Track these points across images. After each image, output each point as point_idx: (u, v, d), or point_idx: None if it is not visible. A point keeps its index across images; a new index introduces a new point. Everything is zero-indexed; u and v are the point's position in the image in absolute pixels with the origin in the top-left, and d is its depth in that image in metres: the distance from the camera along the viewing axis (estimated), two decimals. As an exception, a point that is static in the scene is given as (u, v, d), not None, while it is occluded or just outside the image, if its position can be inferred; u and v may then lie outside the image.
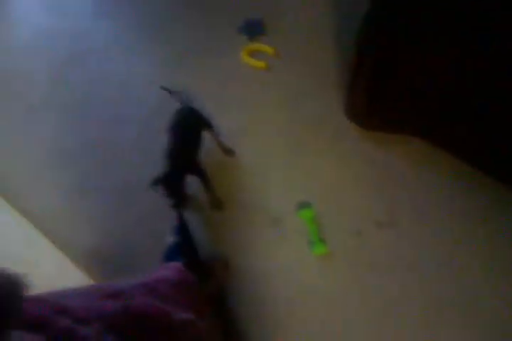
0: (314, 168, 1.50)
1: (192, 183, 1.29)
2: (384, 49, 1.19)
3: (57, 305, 0.60)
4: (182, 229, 1.31)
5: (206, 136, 1.39)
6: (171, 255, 1.24)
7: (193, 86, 1.70)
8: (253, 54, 1.78)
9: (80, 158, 1.63)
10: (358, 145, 1.52)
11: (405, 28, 1.09)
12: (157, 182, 1.16)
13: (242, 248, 1.38)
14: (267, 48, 1.78)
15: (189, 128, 1.31)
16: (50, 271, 1.40)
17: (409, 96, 1.30)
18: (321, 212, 1.40)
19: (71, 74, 1.85)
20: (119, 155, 1.62)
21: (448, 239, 1.33)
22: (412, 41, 1.12)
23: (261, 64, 1.74)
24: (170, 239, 1.26)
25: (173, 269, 1.04)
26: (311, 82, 1.69)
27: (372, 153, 1.50)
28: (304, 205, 1.42)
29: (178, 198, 1.20)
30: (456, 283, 1.26)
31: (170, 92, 1.49)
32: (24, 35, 2.00)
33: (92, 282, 1.35)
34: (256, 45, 1.79)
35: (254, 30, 1.84)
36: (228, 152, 1.54)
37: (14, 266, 1.45)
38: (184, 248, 1.26)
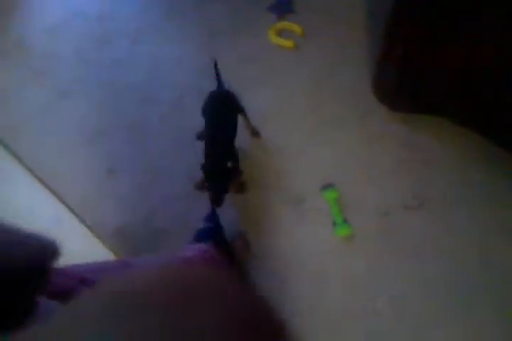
0: (341, 148, 1.46)
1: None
2: (417, 28, 1.13)
3: (81, 276, 0.61)
4: (213, 217, 1.33)
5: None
6: (200, 239, 1.25)
7: (220, 66, 1.68)
8: (281, 33, 1.74)
9: (109, 138, 1.66)
10: (386, 126, 1.46)
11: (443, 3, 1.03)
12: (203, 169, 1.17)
13: (263, 227, 1.37)
14: (295, 27, 1.73)
15: (226, 112, 1.29)
16: (78, 248, 1.43)
17: (441, 77, 1.24)
18: (345, 192, 1.37)
19: (101, 55, 1.87)
20: (148, 135, 1.63)
21: (477, 224, 1.27)
22: (449, 17, 1.06)
23: (289, 43, 1.70)
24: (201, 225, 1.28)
25: (197, 249, 1.05)
26: (339, 62, 1.64)
27: (402, 134, 1.44)
28: (328, 186, 1.38)
29: (221, 192, 1.18)
30: (486, 268, 1.20)
31: (217, 70, 1.41)
32: (54, 16, 2.03)
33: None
34: (284, 24, 1.75)
35: (283, 8, 1.80)
36: (255, 134, 1.52)
37: None
38: (214, 234, 1.28)
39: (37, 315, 0.37)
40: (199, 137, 1.42)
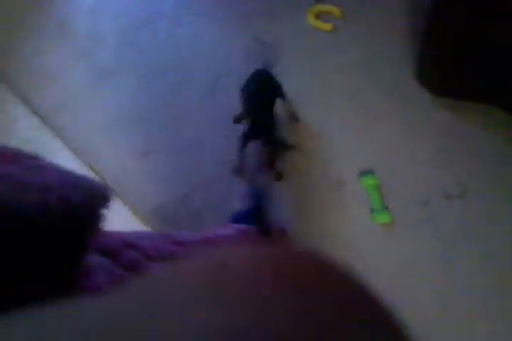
0: (381, 134, 1.43)
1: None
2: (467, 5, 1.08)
3: (128, 240, 0.60)
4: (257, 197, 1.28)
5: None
6: (238, 219, 1.22)
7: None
8: (320, 15, 1.69)
9: (147, 119, 1.66)
10: (429, 112, 1.42)
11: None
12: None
13: (300, 213, 1.37)
14: (334, 10, 1.68)
15: (267, 93, 1.26)
16: (120, 227, 1.44)
17: (493, 60, 1.19)
18: (385, 179, 1.34)
19: (140, 37, 1.86)
20: (185, 116, 1.62)
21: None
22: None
23: (327, 26, 1.65)
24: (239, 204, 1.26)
25: (237, 229, 1.03)
26: (378, 46, 1.59)
27: (446, 121, 1.40)
28: (367, 172, 1.36)
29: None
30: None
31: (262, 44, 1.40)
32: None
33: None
34: (323, 7, 1.70)
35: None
36: (293, 119, 1.49)
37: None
38: (255, 216, 1.22)
39: (89, 270, 0.36)
40: (236, 120, 1.40)
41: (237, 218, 1.26)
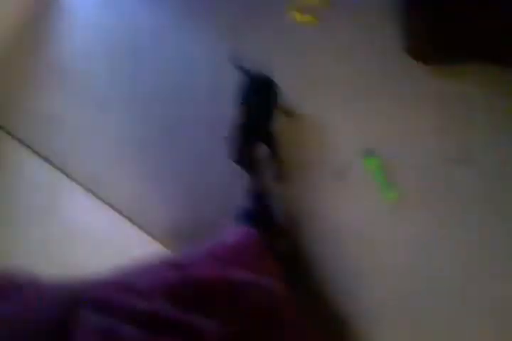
0: (379, 113, 1.42)
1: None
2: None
3: (120, 283, 0.62)
4: (256, 198, 1.32)
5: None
6: (241, 219, 1.26)
7: (247, 51, 1.69)
8: (304, 8, 1.69)
9: (149, 143, 1.69)
10: (425, 84, 1.40)
11: None
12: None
13: (307, 206, 1.38)
14: (312, 0, 1.71)
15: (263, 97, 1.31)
16: (136, 250, 1.47)
17: (468, 17, 1.17)
18: (388, 157, 1.35)
19: (130, 65, 1.88)
20: (187, 134, 1.66)
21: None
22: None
23: (310, 18, 1.68)
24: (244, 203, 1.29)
25: (239, 234, 1.05)
26: (366, 26, 1.57)
27: (442, 90, 1.37)
28: (368, 153, 1.37)
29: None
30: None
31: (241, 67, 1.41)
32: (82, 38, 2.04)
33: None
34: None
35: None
36: (289, 113, 1.51)
37: (103, 251, 1.54)
38: (257, 215, 1.27)
39: None
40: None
41: (242, 217, 1.28)
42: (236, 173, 1.41)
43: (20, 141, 1.83)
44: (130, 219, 1.58)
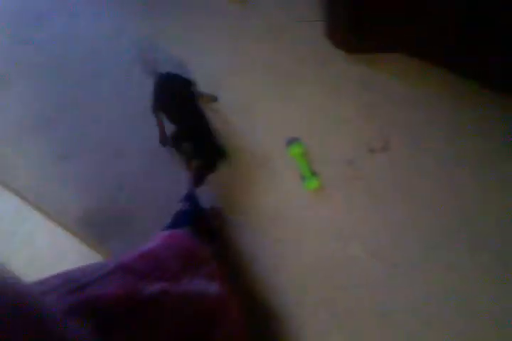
0: (302, 100, 1.41)
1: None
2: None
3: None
4: (191, 197, 1.23)
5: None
6: (178, 221, 1.16)
7: (166, 33, 1.59)
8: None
9: (56, 121, 1.54)
10: (346, 71, 1.41)
11: None
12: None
13: (231, 194, 1.34)
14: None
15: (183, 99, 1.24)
16: (47, 244, 1.38)
17: (390, 10, 1.18)
18: (311, 145, 1.33)
19: (35, 35, 1.72)
20: (98, 113, 1.53)
21: (447, 161, 1.26)
22: None
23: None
24: (179, 205, 1.19)
25: (161, 237, 0.95)
26: (290, 10, 1.55)
27: (363, 77, 1.40)
28: (292, 141, 1.35)
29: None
30: (459, 205, 1.21)
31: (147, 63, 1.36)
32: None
33: (88, 249, 1.35)
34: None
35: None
36: (212, 99, 1.45)
37: (9, 243, 1.41)
38: (193, 217, 1.19)
39: None
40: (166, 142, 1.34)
41: (178, 220, 1.20)
42: (151, 161, 1.35)
43: None
44: (39, 209, 1.42)
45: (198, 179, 1.15)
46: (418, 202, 1.23)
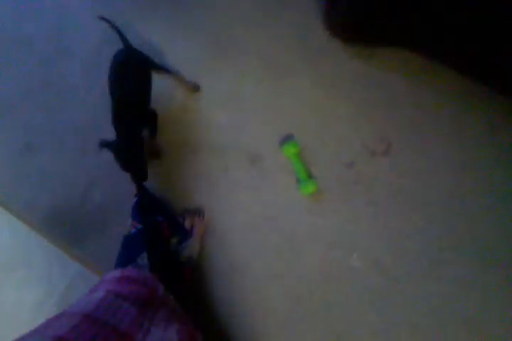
0: (296, 95, 1.28)
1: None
2: None
3: None
4: (143, 207, 1.09)
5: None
6: (130, 249, 1.00)
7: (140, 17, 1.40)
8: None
9: (21, 107, 1.36)
10: (343, 63, 1.29)
11: None
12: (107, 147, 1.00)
13: (218, 197, 1.21)
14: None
15: (133, 73, 1.06)
16: (8, 241, 1.25)
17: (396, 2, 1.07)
18: (306, 144, 1.22)
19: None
20: (69, 95, 1.35)
21: (450, 164, 1.18)
22: None
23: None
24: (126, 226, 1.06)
25: (113, 283, 0.78)
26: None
27: (361, 72, 1.28)
28: (286, 139, 1.23)
29: (138, 168, 1.03)
30: (460, 211, 1.14)
31: (112, 26, 1.17)
32: None
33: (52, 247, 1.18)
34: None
35: None
36: (194, 88, 1.30)
37: None
38: (145, 234, 1.04)
39: None
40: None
41: (130, 242, 1.03)
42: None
43: None
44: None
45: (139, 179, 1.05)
46: (422, 211, 1.15)
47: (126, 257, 0.95)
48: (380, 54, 1.29)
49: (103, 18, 1.14)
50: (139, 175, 1.04)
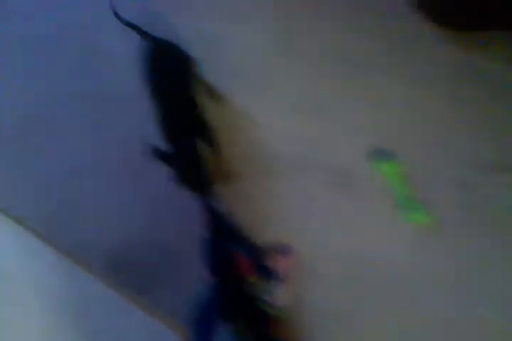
0: (384, 97, 1.05)
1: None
2: None
3: None
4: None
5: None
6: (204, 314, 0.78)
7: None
8: None
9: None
10: (442, 54, 1.05)
11: None
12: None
13: (299, 229, 0.96)
14: None
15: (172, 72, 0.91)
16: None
17: None
18: (404, 160, 0.98)
19: None
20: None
21: None
22: None
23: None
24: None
25: None
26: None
27: (462, 63, 1.05)
28: (382, 154, 0.98)
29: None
30: None
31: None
32: None
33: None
34: None
35: None
36: (214, 96, 1.08)
37: None
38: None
39: None
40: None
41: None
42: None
43: None
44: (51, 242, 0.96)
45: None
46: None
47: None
48: (485, 40, 1.05)
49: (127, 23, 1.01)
50: (204, 189, 0.85)
